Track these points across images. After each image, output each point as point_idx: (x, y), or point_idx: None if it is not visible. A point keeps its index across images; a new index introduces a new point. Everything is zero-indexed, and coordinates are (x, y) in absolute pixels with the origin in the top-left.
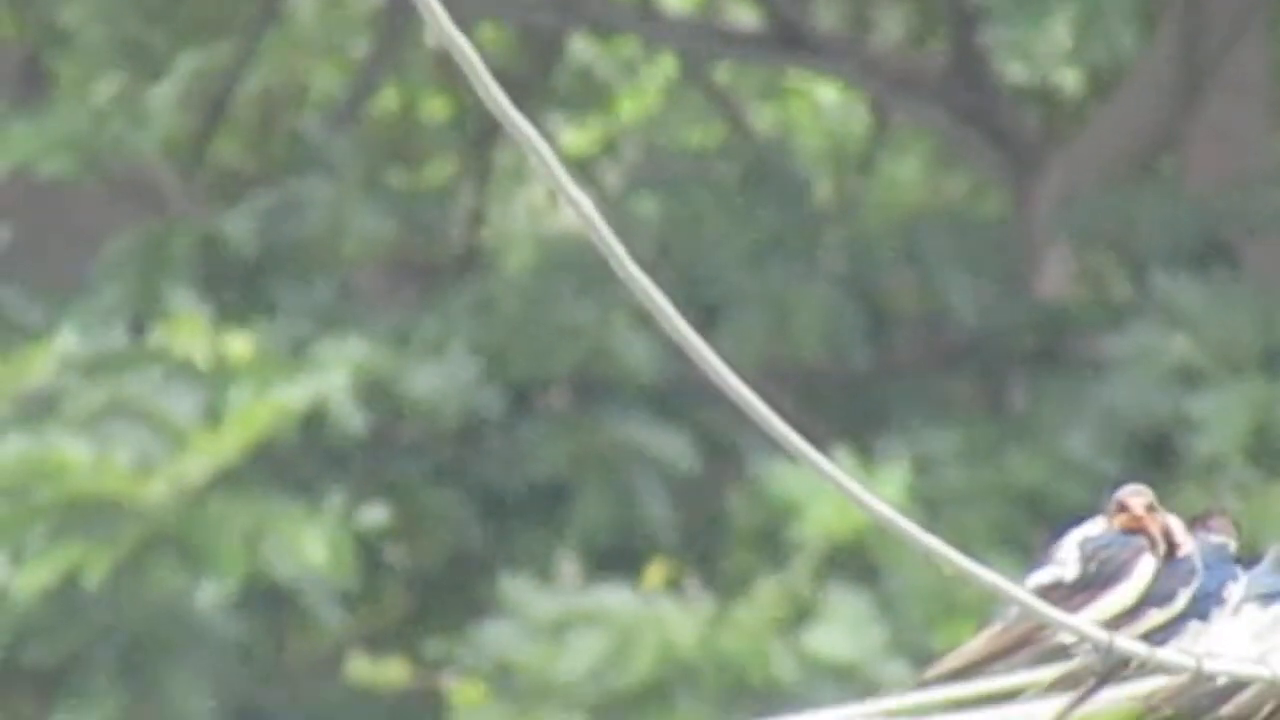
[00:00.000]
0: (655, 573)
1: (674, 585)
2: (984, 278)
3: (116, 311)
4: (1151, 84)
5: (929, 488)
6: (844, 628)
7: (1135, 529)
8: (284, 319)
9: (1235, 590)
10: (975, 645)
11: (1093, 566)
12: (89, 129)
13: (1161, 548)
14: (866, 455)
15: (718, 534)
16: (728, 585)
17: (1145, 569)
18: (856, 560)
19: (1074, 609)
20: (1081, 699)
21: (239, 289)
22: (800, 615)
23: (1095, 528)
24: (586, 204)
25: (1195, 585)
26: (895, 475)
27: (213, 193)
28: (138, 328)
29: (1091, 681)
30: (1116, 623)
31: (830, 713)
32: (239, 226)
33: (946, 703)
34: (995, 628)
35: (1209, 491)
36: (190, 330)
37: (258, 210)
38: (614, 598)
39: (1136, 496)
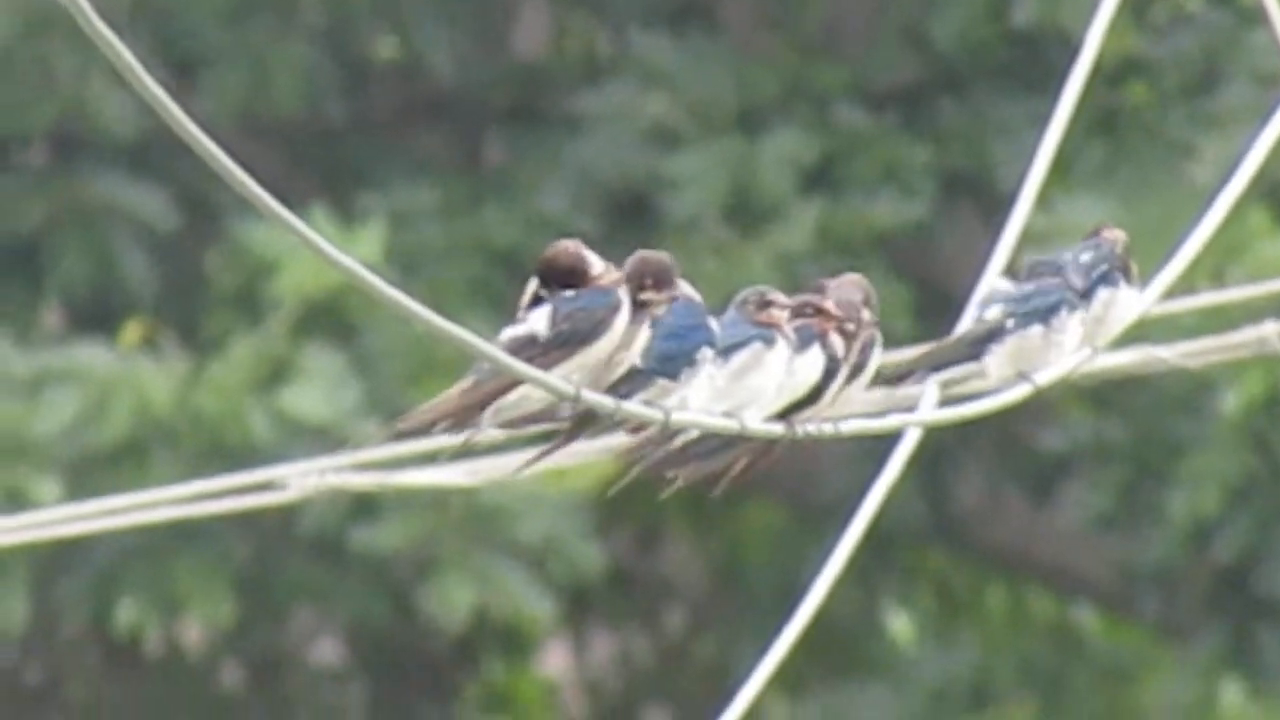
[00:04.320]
0: (132, 330)
1: (151, 343)
2: (461, 33)
3: None
4: None
5: (406, 244)
6: (319, 386)
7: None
8: None
9: (707, 355)
10: (448, 399)
11: (566, 325)
12: None
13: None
14: (345, 212)
15: (196, 292)
16: (205, 344)
17: (620, 325)
18: (333, 319)
19: (549, 366)
20: (549, 452)
21: None
22: (276, 374)
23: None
24: None
25: (646, 336)
26: (372, 232)
27: None
28: None
29: (562, 436)
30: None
31: (307, 465)
32: None
33: (418, 455)
34: (468, 382)
35: (686, 250)
36: None
37: None
38: (91, 355)
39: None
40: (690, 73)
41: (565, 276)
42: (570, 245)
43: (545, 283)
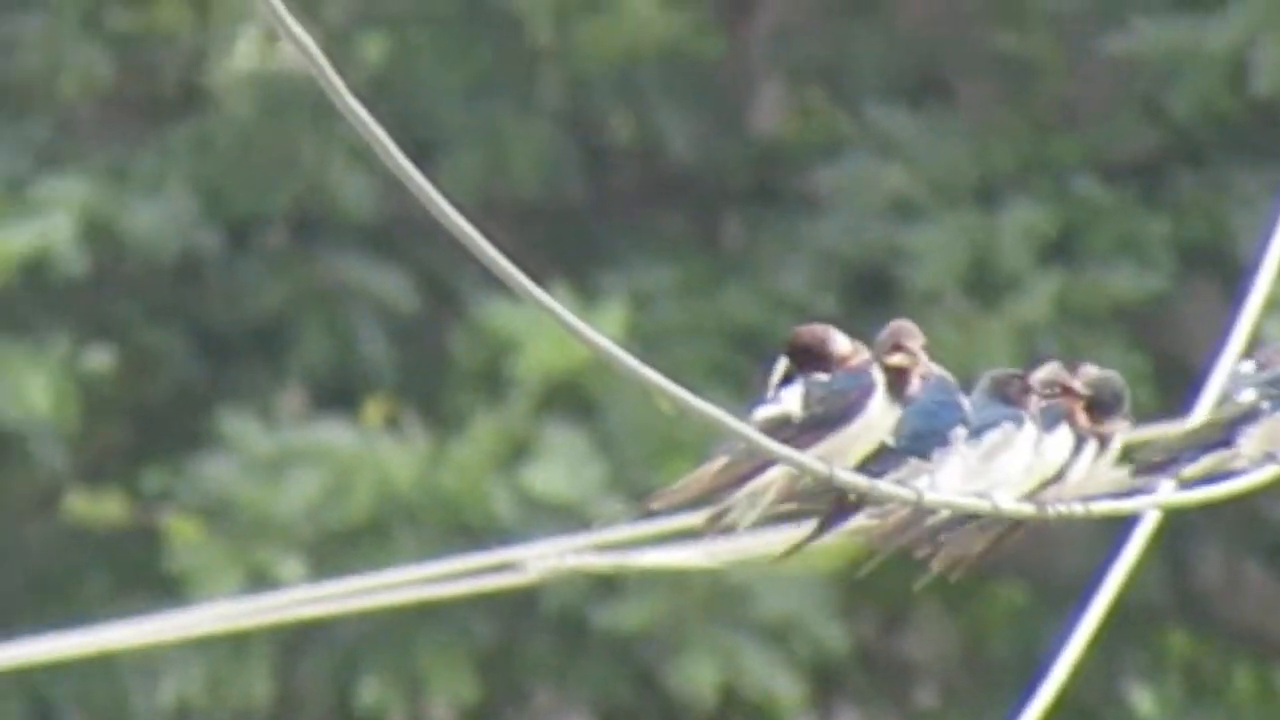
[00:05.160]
0: (374, 410)
1: (393, 423)
2: (700, 114)
3: None
4: None
5: (646, 324)
6: (562, 465)
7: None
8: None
9: (960, 434)
10: (700, 478)
11: (820, 408)
12: None
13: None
14: (584, 291)
15: (436, 372)
16: (446, 423)
17: (875, 407)
18: (575, 397)
19: (803, 447)
20: (811, 539)
21: None
22: (518, 452)
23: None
24: (306, 40)
25: (896, 414)
26: (613, 311)
27: None
28: None
29: (822, 521)
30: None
31: (546, 546)
32: None
33: (662, 534)
34: (720, 462)
35: (925, 323)
36: None
37: None
38: (333, 434)
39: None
40: (928, 146)
41: (813, 357)
42: (818, 327)
43: (794, 363)
